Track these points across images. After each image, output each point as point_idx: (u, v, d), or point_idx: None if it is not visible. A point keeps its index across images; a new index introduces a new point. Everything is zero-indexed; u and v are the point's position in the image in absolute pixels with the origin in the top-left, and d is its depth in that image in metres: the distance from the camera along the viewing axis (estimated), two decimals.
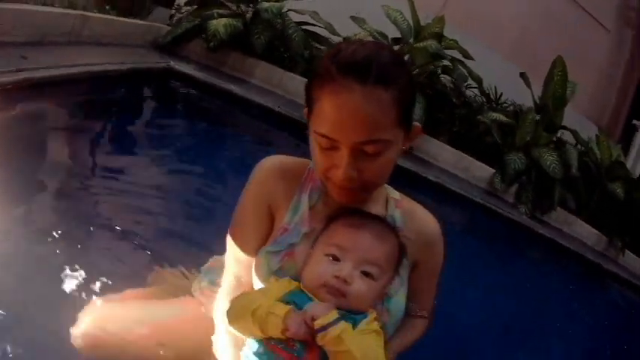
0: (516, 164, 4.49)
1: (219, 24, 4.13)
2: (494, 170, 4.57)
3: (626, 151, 6.99)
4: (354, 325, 0.97)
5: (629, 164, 6.66)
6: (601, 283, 4.72)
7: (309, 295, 1.01)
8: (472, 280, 2.92)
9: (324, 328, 0.92)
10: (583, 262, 4.58)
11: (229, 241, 1.17)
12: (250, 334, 1.00)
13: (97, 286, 1.48)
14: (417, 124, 1.06)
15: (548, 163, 4.52)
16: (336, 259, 1.01)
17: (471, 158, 4.57)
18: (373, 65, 0.91)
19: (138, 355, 1.18)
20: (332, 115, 0.92)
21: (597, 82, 7.22)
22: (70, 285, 1.48)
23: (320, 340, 0.92)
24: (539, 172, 4.61)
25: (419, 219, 1.17)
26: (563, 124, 5.11)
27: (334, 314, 0.94)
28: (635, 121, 7.78)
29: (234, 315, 1.01)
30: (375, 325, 1.01)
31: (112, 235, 1.89)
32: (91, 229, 1.90)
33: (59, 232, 1.78)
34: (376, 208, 1.13)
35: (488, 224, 4.24)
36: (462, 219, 4.17)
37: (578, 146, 5.29)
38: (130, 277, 1.61)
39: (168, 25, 4.58)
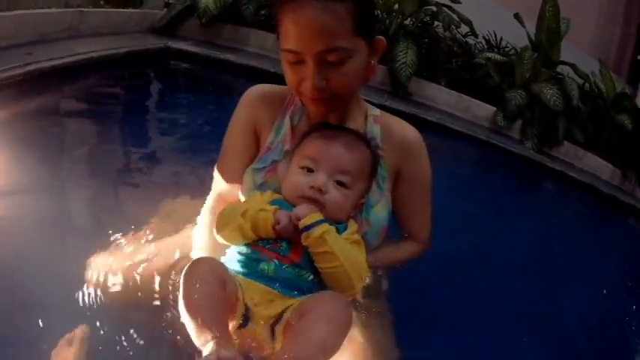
0: (517, 100, 4.50)
1: (209, 0, 4.26)
2: (495, 109, 4.59)
3: (635, 87, 6.87)
4: (337, 233, 1.03)
5: (639, 101, 6.55)
6: (617, 215, 4.62)
7: (291, 203, 1.07)
8: (485, 214, 2.93)
9: (308, 227, 0.98)
10: (598, 195, 4.53)
11: (218, 167, 1.26)
12: (239, 237, 1.04)
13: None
14: (381, 37, 1.14)
15: (548, 96, 4.51)
16: (310, 170, 1.08)
17: (470, 98, 4.58)
18: None
19: (148, 285, 1.20)
20: (294, 30, 1.01)
21: (597, 20, 7.15)
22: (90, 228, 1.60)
23: (304, 240, 0.99)
24: (541, 106, 4.60)
25: (397, 129, 1.25)
26: (562, 60, 5.10)
27: (318, 215, 1.00)
28: None
29: (224, 221, 1.06)
30: (357, 237, 1.07)
31: (130, 190, 2.04)
32: (110, 185, 2.04)
33: (79, 189, 1.92)
34: (355, 125, 1.21)
35: (496, 160, 4.26)
36: (469, 157, 4.19)
37: (586, 85, 5.27)
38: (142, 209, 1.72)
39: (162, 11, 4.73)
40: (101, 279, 1.21)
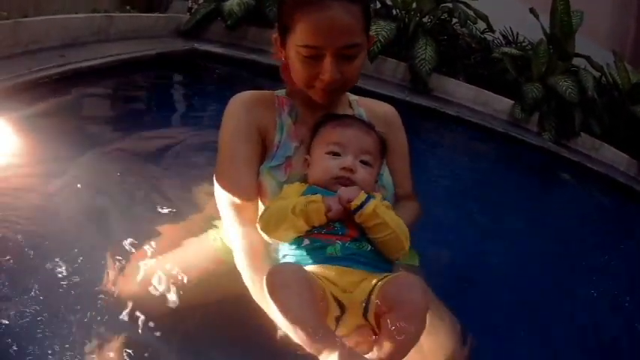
0: (534, 93, 4.60)
1: (233, 3, 4.42)
2: (513, 102, 4.69)
3: None
4: None
5: None
6: (634, 206, 4.55)
7: (322, 189, 1.14)
8: (504, 204, 3.04)
9: (359, 207, 1.07)
10: (615, 185, 4.58)
11: (227, 173, 1.23)
12: (295, 232, 1.09)
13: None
14: (373, 35, 1.29)
15: (564, 88, 4.61)
16: (337, 154, 1.18)
17: (488, 92, 4.70)
18: None
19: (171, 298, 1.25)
20: (317, 28, 1.11)
21: (612, 12, 7.17)
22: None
23: (358, 218, 1.06)
24: (557, 99, 4.70)
25: (377, 108, 1.42)
26: (577, 52, 5.17)
27: (364, 195, 1.09)
28: None
29: (275, 224, 1.10)
30: (387, 202, 1.19)
31: (162, 184, 2.04)
32: (141, 182, 2.04)
33: (109, 185, 1.93)
34: (345, 110, 1.34)
35: (515, 152, 4.36)
36: (489, 149, 4.30)
37: (603, 78, 5.31)
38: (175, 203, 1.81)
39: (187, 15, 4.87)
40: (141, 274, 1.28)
